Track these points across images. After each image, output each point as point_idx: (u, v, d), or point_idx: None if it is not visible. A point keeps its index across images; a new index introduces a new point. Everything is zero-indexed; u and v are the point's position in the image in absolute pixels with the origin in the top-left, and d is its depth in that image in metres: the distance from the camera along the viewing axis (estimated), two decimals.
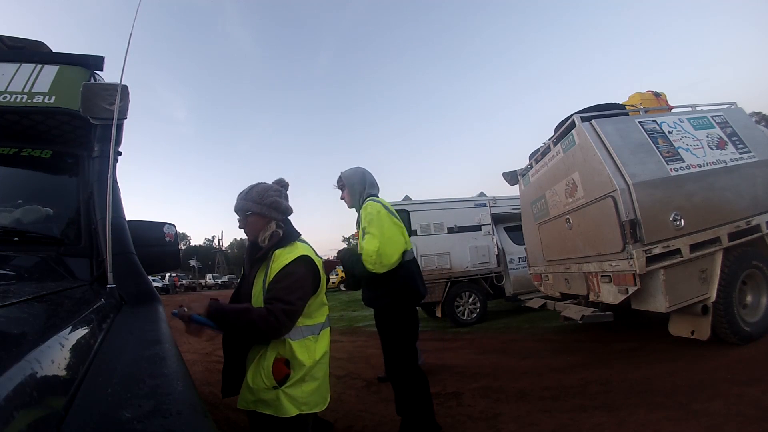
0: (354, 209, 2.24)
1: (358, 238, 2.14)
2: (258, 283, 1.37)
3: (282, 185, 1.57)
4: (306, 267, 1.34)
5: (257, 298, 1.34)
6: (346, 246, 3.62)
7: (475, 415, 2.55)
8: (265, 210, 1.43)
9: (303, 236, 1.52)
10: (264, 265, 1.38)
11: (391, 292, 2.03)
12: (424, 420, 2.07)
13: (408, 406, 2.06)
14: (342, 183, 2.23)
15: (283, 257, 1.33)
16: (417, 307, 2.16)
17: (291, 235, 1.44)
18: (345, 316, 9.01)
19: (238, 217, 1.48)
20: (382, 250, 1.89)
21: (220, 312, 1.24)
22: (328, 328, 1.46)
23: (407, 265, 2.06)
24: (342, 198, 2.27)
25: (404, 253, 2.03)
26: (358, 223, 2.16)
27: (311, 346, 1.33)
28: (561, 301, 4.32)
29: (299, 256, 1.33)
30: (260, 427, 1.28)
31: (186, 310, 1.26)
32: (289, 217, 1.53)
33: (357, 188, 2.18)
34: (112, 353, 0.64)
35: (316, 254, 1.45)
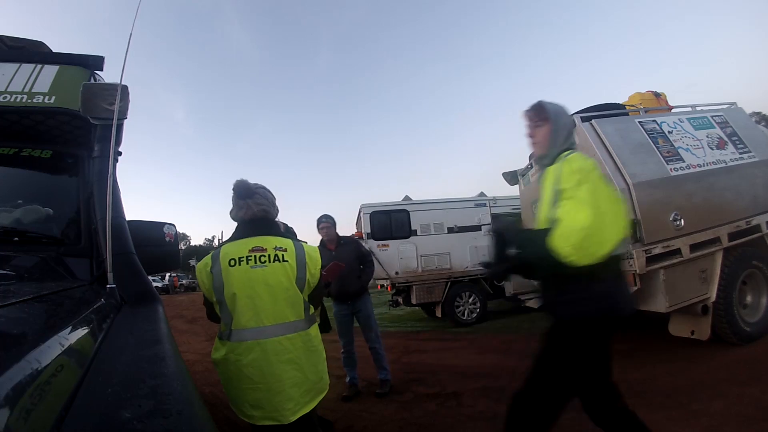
0: (540, 161, 1.53)
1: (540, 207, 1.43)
2: None
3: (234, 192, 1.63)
4: None
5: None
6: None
7: (475, 415, 2.55)
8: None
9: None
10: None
11: (595, 297, 1.28)
12: None
13: None
14: (545, 115, 1.47)
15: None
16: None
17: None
18: None
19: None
20: (593, 230, 1.17)
21: None
22: None
23: (619, 259, 1.35)
24: (531, 136, 1.53)
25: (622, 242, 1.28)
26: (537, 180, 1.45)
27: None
28: None
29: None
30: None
31: None
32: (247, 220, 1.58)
33: (563, 131, 1.46)
34: (112, 353, 0.64)
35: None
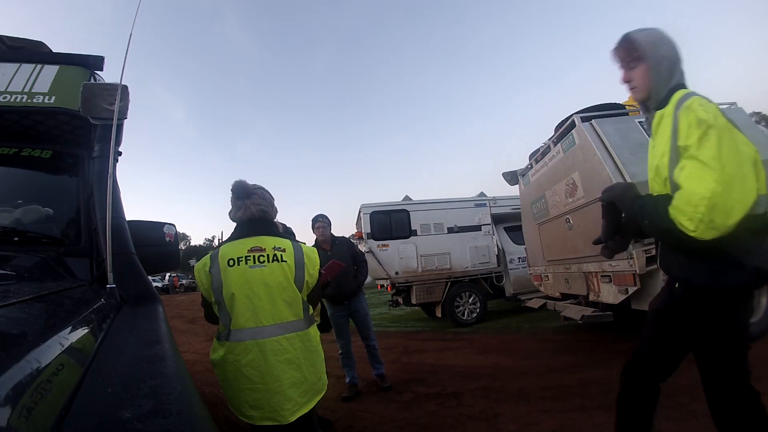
0: (645, 105, 1.27)
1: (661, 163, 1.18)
2: None
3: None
4: None
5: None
6: None
7: (475, 415, 2.55)
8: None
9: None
10: None
11: (748, 264, 1.07)
12: None
13: None
14: (637, 53, 1.19)
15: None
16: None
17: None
18: None
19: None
20: (718, 199, 0.96)
21: None
22: None
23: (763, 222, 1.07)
24: (626, 81, 1.25)
25: (760, 201, 1.03)
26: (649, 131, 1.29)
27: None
28: (561, 301, 4.32)
29: None
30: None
31: None
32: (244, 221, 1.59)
33: (665, 65, 1.17)
34: (112, 353, 0.64)
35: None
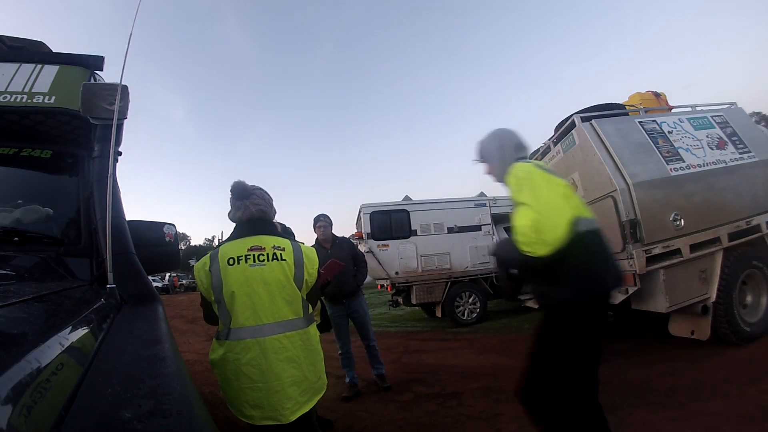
0: (498, 181, 1.71)
1: None
2: None
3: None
4: None
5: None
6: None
7: (475, 415, 2.55)
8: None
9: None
10: None
11: (573, 281, 1.37)
12: None
13: None
14: (480, 156, 1.74)
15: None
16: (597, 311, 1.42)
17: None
18: None
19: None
20: (540, 223, 1.33)
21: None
22: None
23: (586, 239, 1.40)
24: (488, 173, 1.74)
25: (577, 221, 1.39)
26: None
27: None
28: None
29: None
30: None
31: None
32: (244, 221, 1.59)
33: (496, 157, 1.66)
34: (112, 353, 0.64)
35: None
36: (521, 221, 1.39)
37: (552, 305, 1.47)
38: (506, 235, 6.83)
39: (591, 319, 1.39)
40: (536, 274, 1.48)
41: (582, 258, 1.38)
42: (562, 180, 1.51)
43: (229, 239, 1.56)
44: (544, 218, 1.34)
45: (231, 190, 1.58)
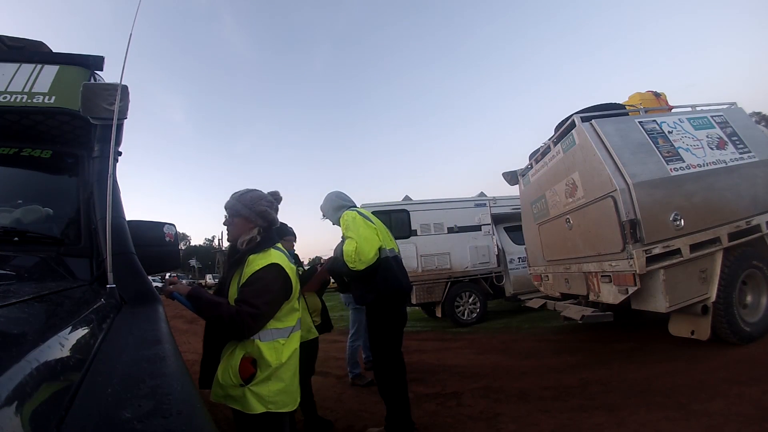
0: (333, 223, 2.54)
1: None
2: (233, 285, 1.43)
3: (276, 198, 1.62)
4: (276, 273, 1.38)
5: (231, 299, 1.40)
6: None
7: (475, 415, 2.55)
8: (253, 216, 1.48)
9: (293, 240, 1.61)
10: (239, 268, 1.44)
11: (375, 288, 2.24)
12: (402, 408, 2.27)
13: (387, 394, 2.30)
14: (323, 212, 2.61)
15: (255, 263, 1.38)
16: (407, 306, 2.26)
17: (267, 242, 1.48)
18: (345, 316, 9.00)
19: (225, 213, 1.54)
20: (359, 249, 2.15)
21: (197, 297, 1.35)
22: (299, 332, 1.51)
23: (386, 262, 2.28)
24: (328, 219, 2.58)
25: (381, 250, 2.27)
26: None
27: (279, 348, 1.37)
28: (561, 301, 4.32)
29: (270, 263, 1.38)
30: (237, 420, 1.36)
31: (171, 287, 1.39)
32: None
33: (331, 211, 2.51)
34: (112, 353, 0.64)
35: (289, 262, 1.49)
36: (348, 248, 2.18)
37: (365, 303, 2.35)
38: (499, 236, 6.87)
39: (390, 312, 2.32)
40: (356, 282, 2.35)
41: (383, 273, 2.24)
42: (375, 222, 2.36)
43: (272, 243, 1.50)
44: (362, 246, 2.16)
45: (274, 196, 1.61)
